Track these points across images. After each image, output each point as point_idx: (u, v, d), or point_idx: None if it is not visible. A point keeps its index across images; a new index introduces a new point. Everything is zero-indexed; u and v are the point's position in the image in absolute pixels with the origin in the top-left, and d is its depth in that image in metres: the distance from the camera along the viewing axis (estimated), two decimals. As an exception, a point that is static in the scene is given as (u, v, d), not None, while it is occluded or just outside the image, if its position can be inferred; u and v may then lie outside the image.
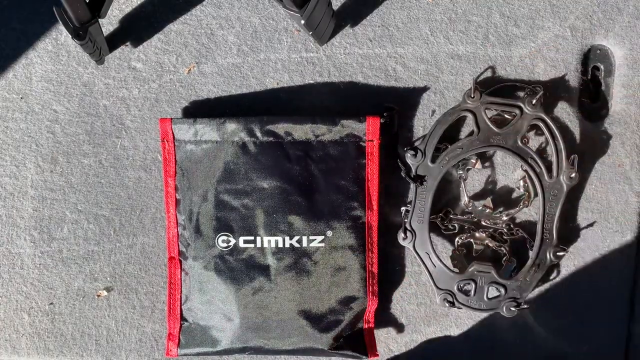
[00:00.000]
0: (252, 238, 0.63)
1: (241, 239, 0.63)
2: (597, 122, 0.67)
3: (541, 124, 0.63)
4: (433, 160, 0.63)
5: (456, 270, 0.64)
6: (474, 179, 0.66)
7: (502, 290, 0.63)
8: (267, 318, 0.63)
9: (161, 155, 0.64)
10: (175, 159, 0.64)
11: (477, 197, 0.66)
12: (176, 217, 0.64)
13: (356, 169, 0.63)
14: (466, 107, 0.63)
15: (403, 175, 0.64)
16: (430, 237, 0.63)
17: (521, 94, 0.65)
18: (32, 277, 0.66)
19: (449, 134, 0.64)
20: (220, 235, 0.63)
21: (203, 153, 0.63)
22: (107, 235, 0.66)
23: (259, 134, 0.62)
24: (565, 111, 0.66)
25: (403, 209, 0.65)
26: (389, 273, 0.66)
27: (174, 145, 0.63)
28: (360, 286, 0.63)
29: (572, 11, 0.66)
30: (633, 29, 0.66)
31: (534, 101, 0.62)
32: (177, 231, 0.64)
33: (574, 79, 0.66)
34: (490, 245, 0.65)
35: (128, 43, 0.66)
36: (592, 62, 0.67)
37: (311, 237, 0.63)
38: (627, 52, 0.66)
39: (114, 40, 0.66)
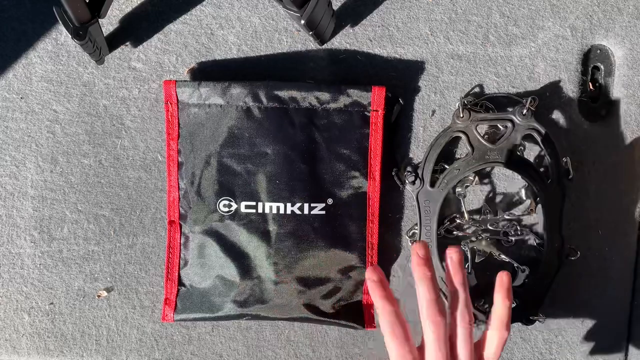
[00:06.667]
0: (253, 203, 0.62)
1: (243, 204, 0.62)
2: (597, 122, 0.67)
3: (534, 134, 0.63)
4: (432, 184, 0.63)
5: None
6: (477, 194, 0.66)
7: (517, 301, 0.62)
8: (266, 284, 0.63)
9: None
10: (178, 122, 0.63)
11: (479, 212, 0.66)
12: (178, 180, 0.63)
13: (359, 139, 0.63)
14: (457, 127, 0.63)
15: (395, 179, 0.64)
16: (440, 262, 0.63)
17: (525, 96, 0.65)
18: (32, 277, 0.66)
19: (448, 149, 0.64)
20: (222, 200, 0.62)
21: (207, 117, 0.62)
22: (107, 235, 0.66)
23: (264, 99, 0.62)
24: (565, 111, 0.66)
25: (410, 232, 0.65)
26: (390, 267, 0.66)
27: (178, 107, 0.63)
28: (360, 255, 0.63)
29: (572, 11, 0.66)
30: (633, 29, 0.66)
31: (524, 111, 0.62)
32: (178, 194, 0.63)
33: (574, 79, 0.66)
34: (494, 254, 0.65)
35: (128, 43, 0.66)
36: (592, 62, 0.67)
37: (312, 205, 0.62)
38: (627, 52, 0.66)
39: (114, 40, 0.65)
